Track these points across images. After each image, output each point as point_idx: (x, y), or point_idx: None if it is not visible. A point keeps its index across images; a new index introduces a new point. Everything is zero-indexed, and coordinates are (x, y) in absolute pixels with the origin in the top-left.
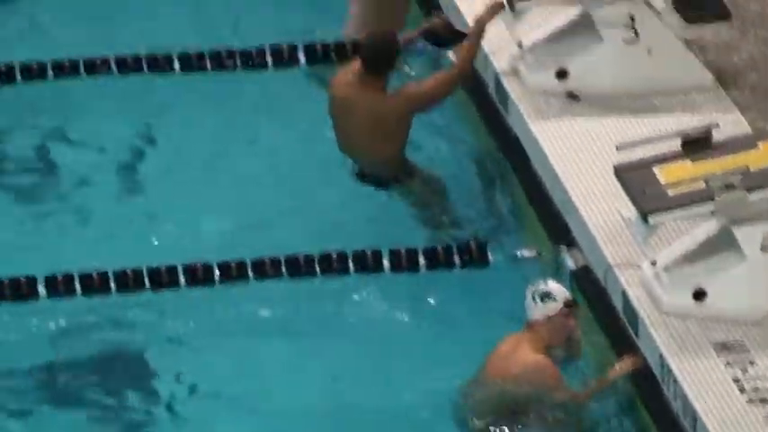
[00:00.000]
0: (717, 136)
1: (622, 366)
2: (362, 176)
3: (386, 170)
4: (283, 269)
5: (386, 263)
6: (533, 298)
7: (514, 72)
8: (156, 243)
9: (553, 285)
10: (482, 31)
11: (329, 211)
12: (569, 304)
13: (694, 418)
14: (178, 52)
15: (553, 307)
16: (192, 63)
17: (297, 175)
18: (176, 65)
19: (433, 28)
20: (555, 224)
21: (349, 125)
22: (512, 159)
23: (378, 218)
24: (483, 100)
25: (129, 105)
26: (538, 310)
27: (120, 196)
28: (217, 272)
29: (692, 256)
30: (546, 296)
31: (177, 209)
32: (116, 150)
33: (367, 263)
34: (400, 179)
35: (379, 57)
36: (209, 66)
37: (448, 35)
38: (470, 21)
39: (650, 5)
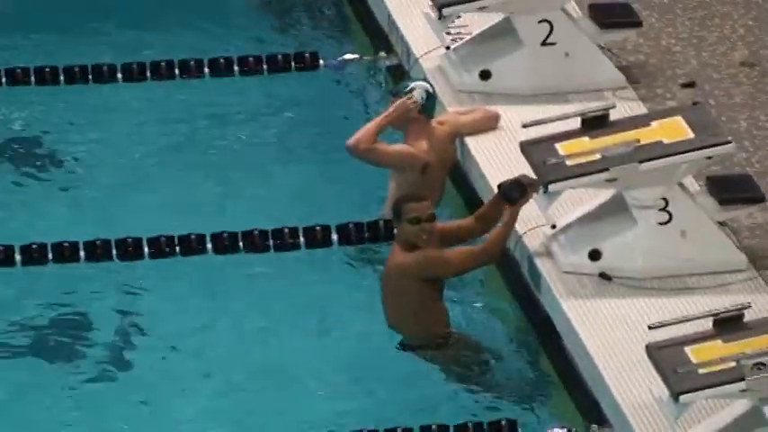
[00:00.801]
0: (749, 317)
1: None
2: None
3: (413, 335)
4: None
5: None
6: None
7: (548, 253)
8: None
9: None
10: (516, 216)
11: (353, 381)
12: None
13: None
14: (211, 232)
15: None
16: (225, 245)
17: (326, 358)
18: (209, 245)
19: (505, 186)
20: (586, 401)
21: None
22: (543, 338)
23: (407, 386)
24: (515, 279)
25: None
26: None
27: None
28: None
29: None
30: None
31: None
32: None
33: None
34: (426, 347)
35: (393, 215)
36: (241, 247)
37: (518, 192)
38: (492, 183)
39: (684, 188)
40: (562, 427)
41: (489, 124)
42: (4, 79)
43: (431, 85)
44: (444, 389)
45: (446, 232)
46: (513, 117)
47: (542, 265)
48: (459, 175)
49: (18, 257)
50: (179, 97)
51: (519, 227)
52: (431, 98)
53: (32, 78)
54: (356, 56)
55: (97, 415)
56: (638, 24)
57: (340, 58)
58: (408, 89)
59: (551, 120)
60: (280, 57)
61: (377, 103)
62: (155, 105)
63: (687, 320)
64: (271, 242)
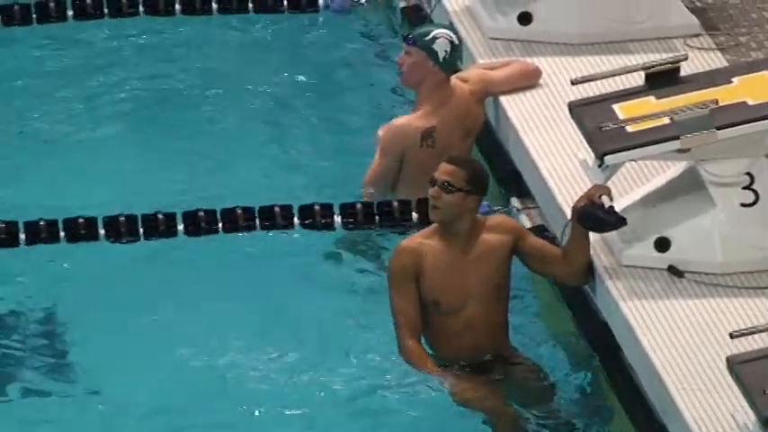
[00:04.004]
0: None
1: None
2: None
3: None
4: None
5: None
6: None
7: (604, 242)
8: None
9: None
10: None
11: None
12: None
13: None
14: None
15: None
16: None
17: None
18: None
19: (588, 209)
20: (651, 429)
21: None
22: (598, 349)
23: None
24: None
25: None
26: None
27: None
28: None
29: None
30: None
31: None
32: None
33: None
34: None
35: None
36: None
37: (608, 217)
38: (534, 154)
39: None
40: None
41: (526, 81)
42: None
43: (455, 33)
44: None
45: (530, 245)
46: (559, 71)
47: (597, 257)
48: (491, 145)
49: None
50: (143, 36)
51: (564, 206)
52: (455, 50)
53: None
54: None
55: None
56: None
57: None
58: (430, 37)
59: (608, 75)
60: None
61: (388, 54)
62: (110, 45)
63: None
64: (258, 222)
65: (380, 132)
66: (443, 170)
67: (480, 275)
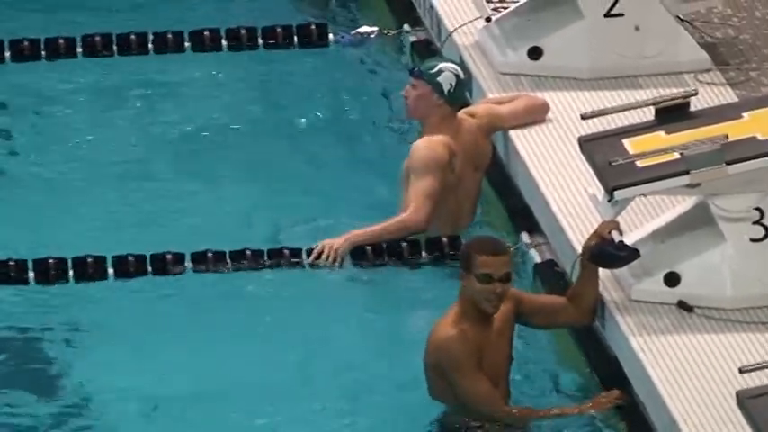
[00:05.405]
0: None
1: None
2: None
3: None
4: None
5: None
6: None
7: (613, 277)
8: None
9: None
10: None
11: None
12: None
13: None
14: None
15: None
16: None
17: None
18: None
19: (600, 247)
20: None
21: None
22: (608, 384)
23: None
24: None
25: None
26: None
27: None
28: None
29: None
30: None
31: None
32: None
33: None
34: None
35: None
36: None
37: (619, 252)
38: (544, 189)
39: None
40: None
41: (534, 116)
42: None
43: (462, 68)
44: None
45: (530, 305)
46: (569, 106)
47: (607, 292)
48: (501, 179)
49: None
50: (153, 74)
51: (574, 240)
52: (460, 84)
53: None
54: (374, 29)
55: None
56: None
57: (354, 33)
58: (435, 70)
59: (618, 110)
60: (279, 30)
61: (399, 89)
62: (118, 83)
63: None
64: (267, 261)
65: (408, 161)
66: (500, 263)
67: (503, 349)
